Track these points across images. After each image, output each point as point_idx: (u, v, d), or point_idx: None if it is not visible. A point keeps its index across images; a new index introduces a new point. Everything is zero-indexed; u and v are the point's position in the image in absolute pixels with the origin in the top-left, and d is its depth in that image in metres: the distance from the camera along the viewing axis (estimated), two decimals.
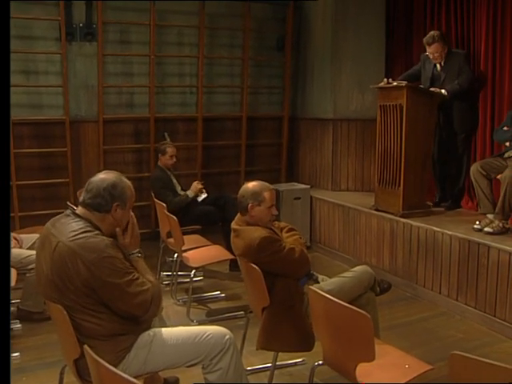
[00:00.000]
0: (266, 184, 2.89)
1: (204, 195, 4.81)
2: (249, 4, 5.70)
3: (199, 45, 5.62)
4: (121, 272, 2.06)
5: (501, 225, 3.92)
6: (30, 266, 3.47)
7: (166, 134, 5.50)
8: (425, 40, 4.63)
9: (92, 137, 5.42)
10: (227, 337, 2.27)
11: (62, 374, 2.36)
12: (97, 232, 2.11)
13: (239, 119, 6.00)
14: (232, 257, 3.76)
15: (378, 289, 2.99)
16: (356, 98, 5.67)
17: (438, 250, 4.09)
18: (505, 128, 4.22)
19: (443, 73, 4.69)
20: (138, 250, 2.30)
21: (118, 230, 2.24)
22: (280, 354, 2.78)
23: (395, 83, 4.49)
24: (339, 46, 5.62)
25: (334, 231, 5.32)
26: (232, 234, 2.88)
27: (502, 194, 3.93)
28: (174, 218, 3.90)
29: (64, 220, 2.16)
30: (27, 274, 3.57)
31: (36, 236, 3.63)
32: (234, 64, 5.99)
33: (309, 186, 5.72)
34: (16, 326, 3.61)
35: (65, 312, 2.04)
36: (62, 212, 2.23)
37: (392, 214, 4.57)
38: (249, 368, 3.02)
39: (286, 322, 2.67)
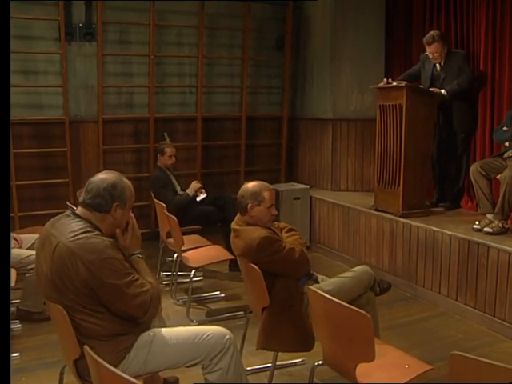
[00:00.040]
0: (266, 184, 2.89)
1: (203, 195, 4.81)
2: (248, 4, 5.70)
3: (199, 45, 5.62)
4: (120, 273, 2.06)
5: (500, 225, 3.92)
6: (29, 266, 3.48)
7: (165, 134, 5.50)
8: (425, 40, 4.63)
9: (91, 137, 5.41)
10: (227, 337, 2.27)
11: (61, 374, 2.36)
12: (97, 232, 2.11)
13: (239, 119, 6.00)
14: (231, 257, 3.77)
15: (378, 289, 2.99)
16: (355, 98, 5.67)
17: (438, 250, 4.09)
18: (504, 128, 4.23)
19: (443, 73, 4.69)
20: (139, 250, 2.30)
21: (118, 231, 2.24)
22: (280, 354, 2.78)
23: (395, 83, 4.49)
24: (338, 46, 5.62)
25: (333, 231, 5.32)
26: (232, 234, 2.88)
27: (501, 194, 3.93)
28: (174, 218, 3.89)
29: (64, 220, 2.16)
30: (27, 275, 3.57)
31: (35, 236, 3.63)
32: (233, 64, 6.00)
33: (308, 186, 5.72)
34: (16, 326, 3.61)
35: (65, 312, 2.04)
36: (62, 212, 2.23)
37: (391, 213, 4.57)
38: (249, 368, 3.02)
39: (286, 322, 2.67)
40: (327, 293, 2.26)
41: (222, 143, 6.01)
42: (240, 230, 2.80)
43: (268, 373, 2.86)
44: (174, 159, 4.87)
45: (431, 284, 4.18)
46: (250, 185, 2.86)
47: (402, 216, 4.47)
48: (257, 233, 2.71)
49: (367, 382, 2.16)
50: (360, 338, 2.12)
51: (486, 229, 3.93)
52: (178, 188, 4.89)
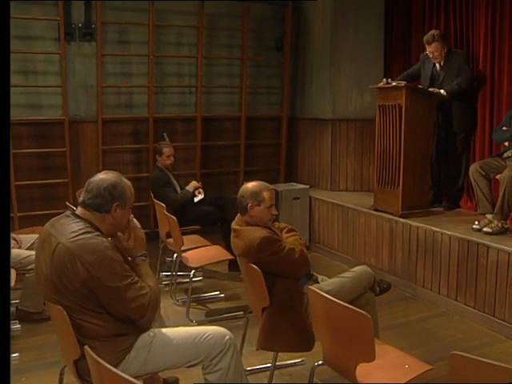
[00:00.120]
0: (266, 184, 2.89)
1: (201, 196, 4.81)
2: (248, 4, 5.70)
3: (198, 45, 5.62)
4: (119, 275, 2.05)
5: (500, 225, 3.92)
6: (29, 267, 3.47)
7: (164, 134, 5.50)
8: (425, 39, 4.64)
9: (91, 137, 5.41)
10: (227, 337, 2.27)
11: (61, 374, 2.36)
12: (97, 233, 2.10)
13: (238, 119, 6.00)
14: (231, 257, 3.77)
15: (378, 289, 2.99)
16: (355, 98, 5.67)
17: (437, 250, 4.09)
18: (504, 128, 4.23)
19: (442, 72, 4.69)
20: (142, 252, 2.29)
21: (119, 234, 2.24)
22: (280, 354, 2.78)
23: (394, 83, 4.50)
24: (338, 46, 5.62)
25: (333, 231, 5.32)
26: (232, 234, 2.88)
27: (501, 194, 3.93)
28: (174, 218, 3.89)
29: (63, 221, 2.16)
30: (26, 275, 3.57)
31: (35, 236, 3.63)
32: (232, 64, 5.99)
33: (308, 186, 5.72)
34: (15, 326, 3.60)
35: (64, 313, 2.04)
36: (61, 212, 2.23)
37: (391, 214, 4.57)
38: (248, 368, 3.02)
39: (286, 322, 2.67)
40: (327, 293, 2.26)
41: (221, 143, 6.01)
42: (240, 230, 2.80)
43: (268, 373, 2.86)
44: (172, 159, 4.87)
45: (431, 284, 4.18)
46: (250, 185, 2.86)
47: (401, 216, 4.47)
48: (257, 233, 2.71)
49: (367, 382, 2.16)
50: (360, 338, 2.12)
51: (485, 229, 3.93)
52: (178, 188, 4.89)
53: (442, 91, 4.55)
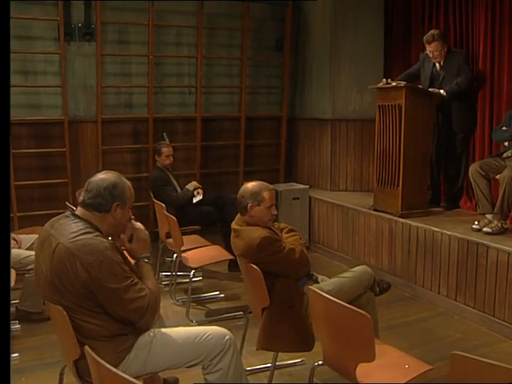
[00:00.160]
0: (266, 184, 2.89)
1: (199, 197, 4.81)
2: (247, 4, 5.70)
3: (198, 45, 5.62)
4: (119, 276, 2.05)
5: (499, 225, 3.92)
6: (28, 267, 3.47)
7: (164, 134, 5.50)
8: (425, 38, 4.64)
9: (90, 137, 5.41)
10: (227, 337, 2.27)
11: (61, 374, 2.36)
12: (96, 233, 2.10)
13: (238, 119, 6.00)
14: (231, 257, 3.77)
15: (378, 289, 2.99)
16: (354, 98, 5.67)
17: (437, 250, 4.09)
18: (503, 128, 4.23)
19: (442, 72, 4.70)
20: (146, 254, 2.29)
21: (122, 236, 2.25)
22: (280, 354, 2.78)
23: (394, 83, 4.50)
24: (338, 46, 5.62)
25: (332, 231, 5.32)
26: (232, 235, 2.88)
27: (500, 194, 3.93)
28: (173, 218, 3.89)
29: (63, 221, 2.16)
30: (26, 275, 3.57)
31: (35, 236, 3.63)
32: (232, 64, 5.99)
33: (307, 186, 5.72)
34: (15, 326, 3.60)
35: (64, 313, 2.04)
36: (61, 212, 2.23)
37: (391, 214, 4.58)
38: (248, 368, 3.02)
39: (286, 323, 2.67)
40: (327, 293, 2.26)
41: (221, 143, 6.01)
42: (240, 230, 2.80)
43: (268, 373, 2.86)
44: (171, 159, 4.87)
45: (430, 284, 4.18)
46: (250, 185, 2.86)
47: (401, 216, 4.47)
48: (257, 233, 2.71)
49: (367, 382, 2.16)
50: (360, 338, 2.12)
51: (485, 229, 3.93)
52: (178, 188, 4.90)
53: (441, 91, 4.55)
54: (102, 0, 5.11)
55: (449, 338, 3.54)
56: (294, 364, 3.13)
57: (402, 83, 4.43)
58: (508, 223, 4.03)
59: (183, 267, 4.11)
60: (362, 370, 2.14)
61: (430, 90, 4.60)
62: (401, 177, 4.47)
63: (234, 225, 2.88)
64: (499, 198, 3.95)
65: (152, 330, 2.23)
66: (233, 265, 4.40)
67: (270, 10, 6.03)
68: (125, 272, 2.08)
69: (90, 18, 5.17)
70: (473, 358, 1.66)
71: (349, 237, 5.07)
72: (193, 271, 3.87)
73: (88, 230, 2.09)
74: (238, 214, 2.89)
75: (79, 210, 2.17)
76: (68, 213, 2.18)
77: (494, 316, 3.65)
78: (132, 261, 2.28)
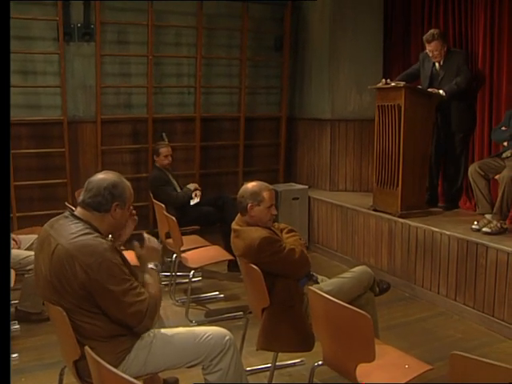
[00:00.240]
0: (266, 184, 2.89)
1: (197, 199, 4.81)
2: (247, 4, 5.70)
3: (197, 45, 5.61)
4: (117, 278, 2.04)
5: (499, 225, 3.93)
6: (28, 267, 3.47)
7: (163, 134, 5.50)
8: (424, 38, 4.64)
9: (90, 137, 5.40)
10: (227, 337, 2.27)
11: (61, 374, 2.36)
12: (96, 234, 2.10)
13: (237, 119, 6.00)
14: (231, 257, 3.77)
15: (378, 289, 2.99)
16: (354, 99, 5.67)
17: (437, 250, 4.10)
18: (503, 128, 4.23)
19: (442, 71, 4.70)
20: (154, 263, 2.31)
21: (135, 243, 2.28)
22: (280, 354, 2.78)
23: (393, 84, 4.50)
24: (337, 46, 5.62)
25: (332, 231, 5.32)
26: (232, 235, 2.88)
27: (500, 194, 3.93)
28: (173, 218, 3.89)
29: (63, 222, 2.15)
30: (25, 275, 3.57)
31: (34, 237, 3.63)
32: (232, 64, 5.99)
33: (307, 187, 5.72)
34: (14, 326, 3.59)
35: (64, 313, 2.04)
36: (61, 212, 2.23)
37: (390, 214, 4.58)
38: (248, 368, 3.02)
39: (286, 323, 2.67)
40: (327, 293, 2.26)
41: (220, 143, 6.01)
42: (240, 231, 2.80)
43: (268, 373, 2.86)
44: (170, 159, 4.87)
45: (430, 284, 4.18)
46: (250, 185, 2.86)
47: (400, 216, 4.47)
48: (257, 233, 2.71)
49: (367, 382, 2.16)
50: (360, 339, 2.12)
51: (484, 229, 3.93)
52: (178, 188, 4.90)
53: (441, 91, 4.55)
54: (101, 0, 5.11)
55: (448, 338, 3.55)
56: (294, 364, 3.13)
57: (402, 83, 4.43)
58: (507, 223, 4.03)
59: (183, 267, 4.11)
60: (362, 370, 2.15)
61: (429, 90, 4.60)
62: (400, 177, 4.48)
63: (234, 225, 2.88)
64: (498, 198, 3.95)
65: (152, 330, 2.23)
66: (232, 265, 4.40)
67: (269, 10, 6.03)
68: (124, 274, 2.07)
69: (90, 18, 5.17)
70: (472, 357, 1.66)
71: (348, 237, 5.07)
72: (192, 271, 3.87)
73: (87, 230, 2.09)
74: (238, 214, 2.89)
75: (78, 211, 2.17)
76: (67, 213, 2.18)
77: (493, 316, 3.65)
78: (136, 263, 2.29)
